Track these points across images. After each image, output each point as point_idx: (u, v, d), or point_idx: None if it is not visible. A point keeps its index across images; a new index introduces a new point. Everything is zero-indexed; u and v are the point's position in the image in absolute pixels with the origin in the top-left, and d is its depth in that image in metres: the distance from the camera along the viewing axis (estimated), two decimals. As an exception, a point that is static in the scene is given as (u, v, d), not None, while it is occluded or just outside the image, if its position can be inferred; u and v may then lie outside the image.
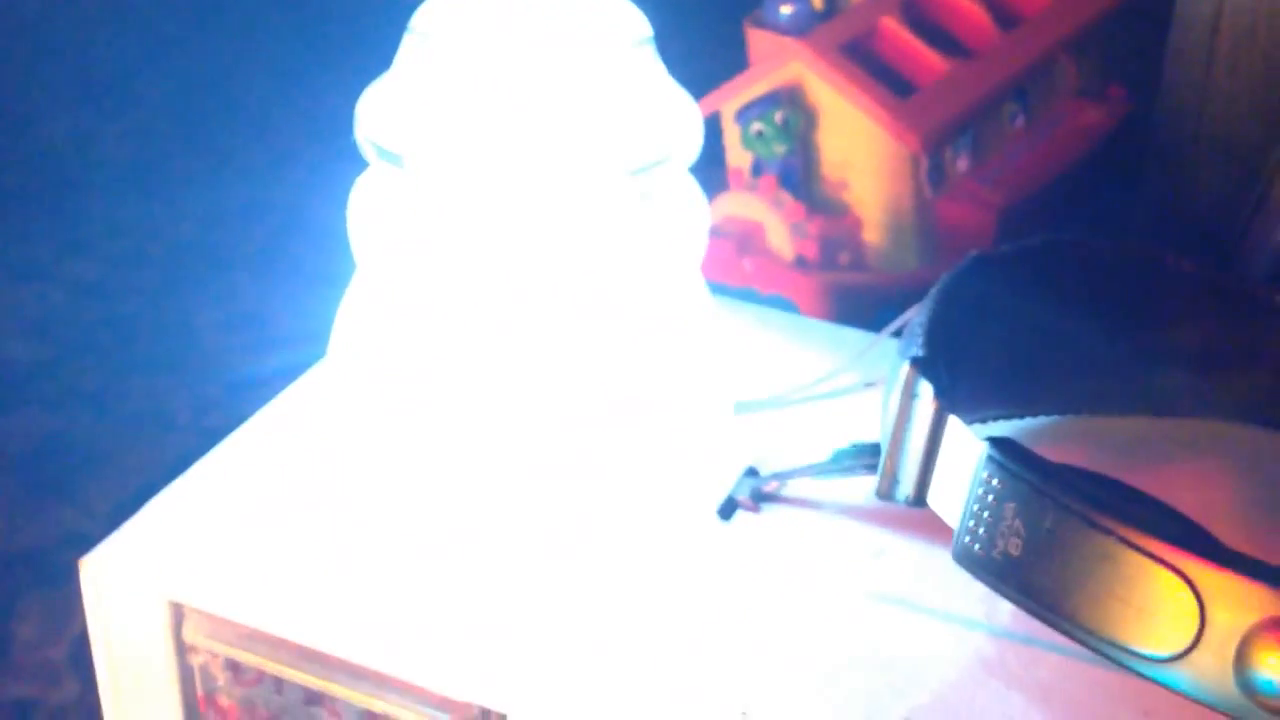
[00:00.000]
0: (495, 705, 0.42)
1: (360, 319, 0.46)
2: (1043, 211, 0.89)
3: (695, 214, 0.46)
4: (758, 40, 0.91)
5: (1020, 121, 0.92)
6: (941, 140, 0.86)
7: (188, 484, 0.48)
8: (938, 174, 0.88)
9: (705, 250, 0.47)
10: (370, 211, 0.45)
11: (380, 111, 0.44)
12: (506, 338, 0.44)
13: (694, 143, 0.45)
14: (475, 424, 0.45)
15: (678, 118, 0.44)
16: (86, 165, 1.54)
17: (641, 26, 0.44)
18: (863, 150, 0.86)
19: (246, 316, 1.36)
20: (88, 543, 1.23)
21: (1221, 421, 0.50)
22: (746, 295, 0.87)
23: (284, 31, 1.76)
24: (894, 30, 0.88)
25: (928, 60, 0.88)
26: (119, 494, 1.18)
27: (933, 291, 0.45)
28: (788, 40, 0.88)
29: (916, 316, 0.43)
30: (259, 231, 1.45)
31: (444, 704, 0.43)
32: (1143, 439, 0.50)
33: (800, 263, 0.87)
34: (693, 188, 0.46)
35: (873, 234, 0.87)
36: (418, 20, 0.44)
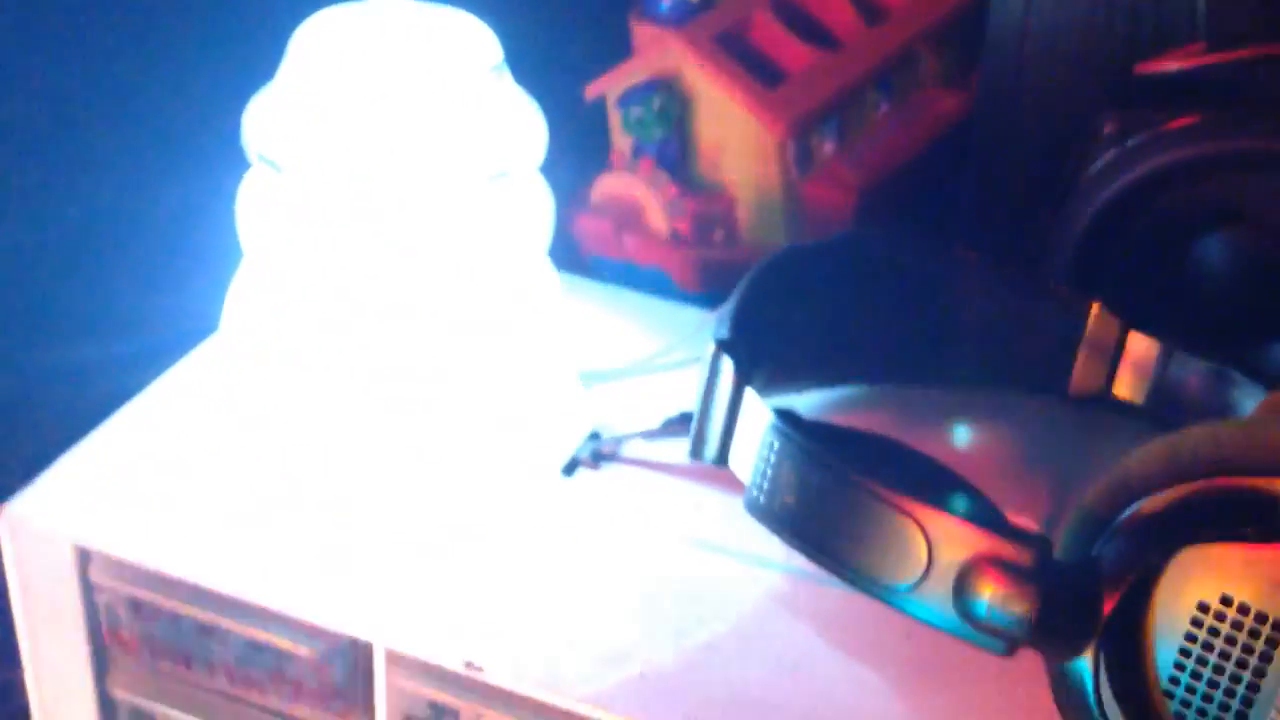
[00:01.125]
0: (361, 634, 0.50)
1: (246, 300, 0.53)
2: (901, 191, 0.97)
3: (542, 210, 0.54)
4: (640, 31, 0.97)
5: (884, 109, 1.00)
6: (807, 126, 0.94)
7: (93, 443, 0.55)
8: (804, 157, 0.95)
9: (550, 240, 0.55)
10: (253, 207, 0.52)
11: (261, 121, 0.51)
12: (373, 318, 0.51)
13: (539, 150, 0.52)
14: (348, 391, 0.52)
15: (525, 129, 0.52)
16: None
17: (494, 53, 0.51)
18: (734, 135, 0.93)
19: (163, 283, 1.41)
20: (1, 494, 1.29)
21: (1000, 390, 0.58)
22: (626, 268, 0.94)
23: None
24: (766, 23, 0.95)
25: (796, 51, 0.95)
26: (31, 450, 1.23)
27: (743, 280, 0.52)
28: (666, 31, 0.94)
29: (727, 302, 0.51)
30: (179, 192, 1.50)
31: (317, 633, 0.50)
32: (935, 406, 0.58)
33: (676, 238, 0.94)
34: (540, 187, 0.54)
35: (744, 212, 0.94)
36: (296, 40, 0.51)
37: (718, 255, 0.94)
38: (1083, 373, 0.58)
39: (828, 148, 0.96)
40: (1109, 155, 0.66)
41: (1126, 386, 0.58)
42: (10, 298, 1.37)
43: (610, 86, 0.95)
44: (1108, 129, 0.66)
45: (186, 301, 1.42)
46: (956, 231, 0.82)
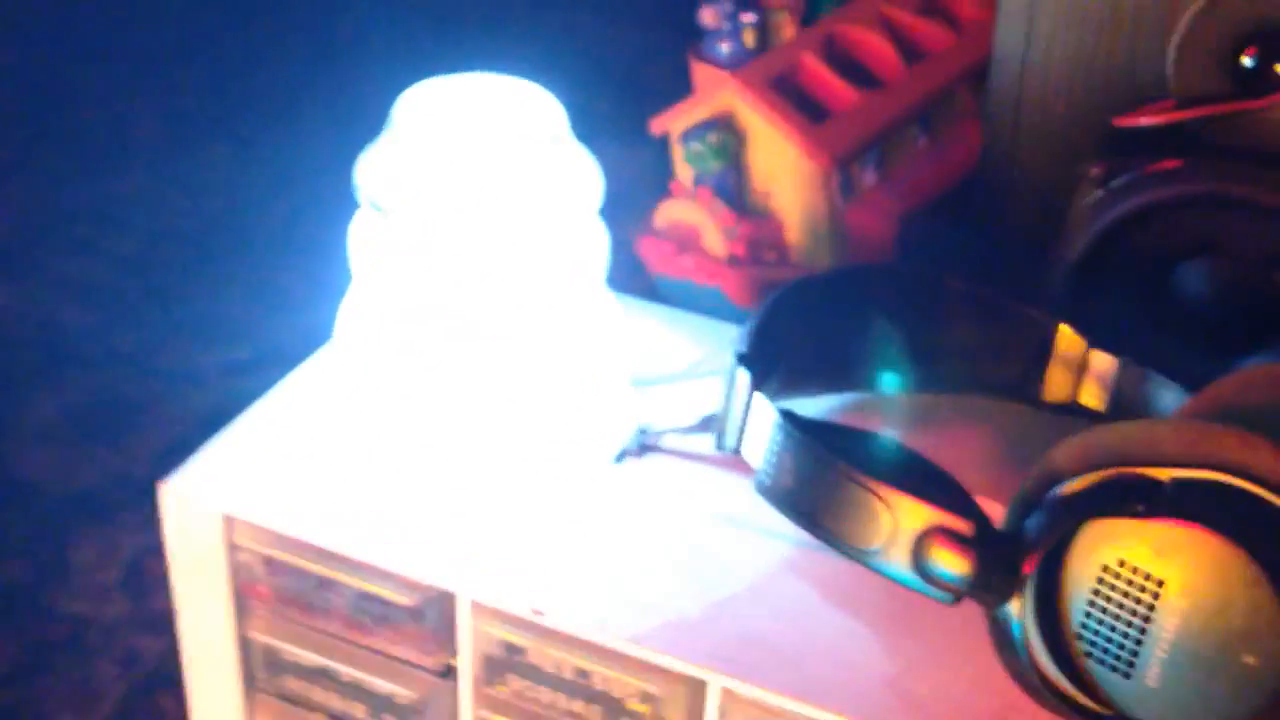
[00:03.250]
0: (449, 586, 0.63)
1: (355, 317, 0.67)
2: (936, 217, 1.09)
3: (599, 246, 0.67)
4: (700, 72, 1.10)
5: (922, 142, 1.11)
6: (850, 158, 1.06)
7: (235, 430, 0.69)
8: (848, 186, 1.07)
9: (607, 268, 0.68)
10: (362, 241, 0.66)
11: (371, 171, 0.64)
12: (462, 332, 0.64)
13: (596, 197, 0.65)
14: (442, 392, 0.65)
15: (584, 181, 0.65)
16: (124, 148, 1.74)
17: (559, 119, 0.64)
18: (784, 166, 1.05)
19: (268, 288, 1.55)
20: (131, 483, 1.46)
21: (982, 396, 0.70)
22: (686, 286, 1.07)
23: (301, 31, 1.95)
24: (813, 65, 1.07)
25: (841, 91, 1.07)
26: (156, 443, 1.38)
27: (762, 303, 0.65)
28: (724, 73, 1.07)
29: (747, 322, 0.64)
30: (281, 208, 1.65)
31: (414, 586, 0.64)
32: (926, 409, 0.70)
33: (732, 260, 1.06)
34: (598, 227, 0.67)
35: (793, 236, 1.07)
36: (400, 104, 0.64)
37: (769, 275, 1.07)
38: (1053, 384, 0.70)
39: (869, 178, 1.08)
40: (1095, 195, 0.77)
41: (1090, 395, 0.70)
42: (133, 304, 1.52)
43: (673, 123, 1.08)
44: (1093, 173, 0.77)
45: (301, 300, 1.56)
46: (976, 258, 0.93)
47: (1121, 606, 0.52)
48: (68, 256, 1.61)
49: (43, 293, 1.55)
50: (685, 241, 1.06)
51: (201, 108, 1.85)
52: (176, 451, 1.33)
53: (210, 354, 1.51)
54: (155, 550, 1.29)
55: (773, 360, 0.62)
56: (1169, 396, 0.67)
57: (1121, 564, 0.52)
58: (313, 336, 1.43)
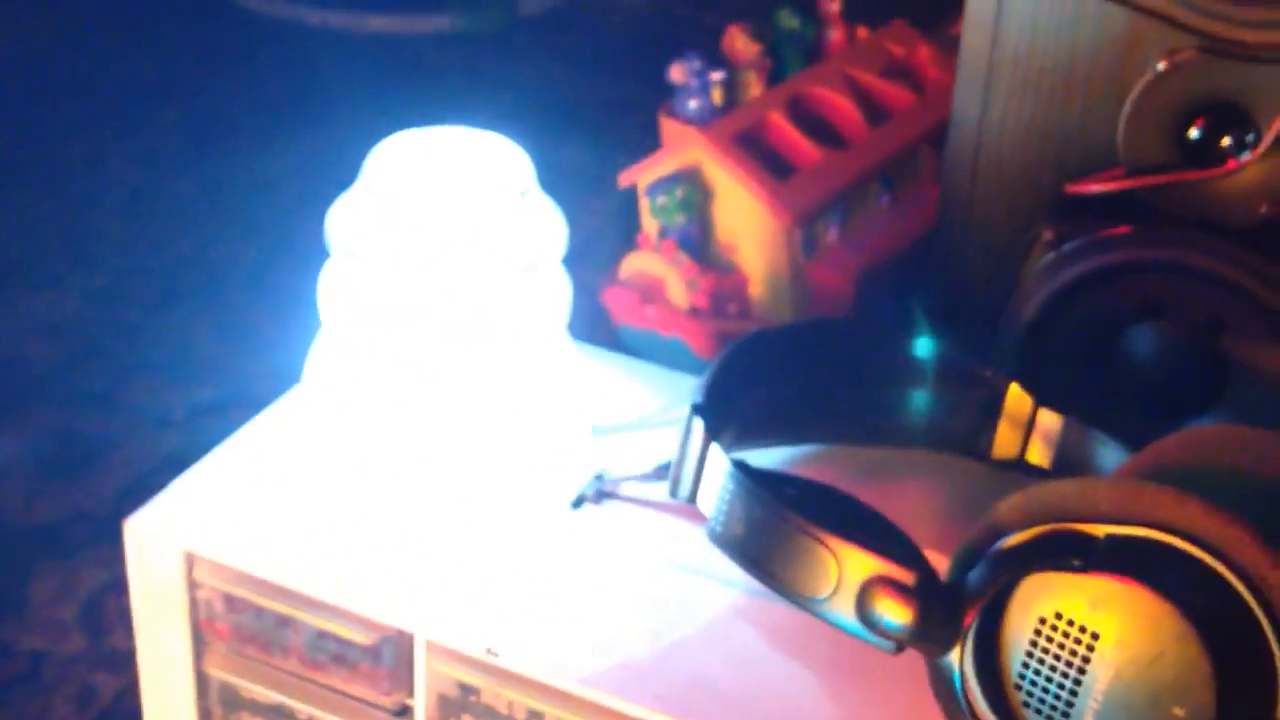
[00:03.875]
0: (406, 626, 0.64)
1: (324, 362, 0.69)
2: (895, 274, 1.12)
3: (562, 295, 0.69)
4: (668, 128, 1.12)
5: (885, 200, 1.14)
6: (813, 215, 1.08)
7: (199, 470, 0.71)
8: (810, 242, 1.09)
9: (570, 317, 0.70)
10: (332, 288, 0.67)
11: (343, 220, 0.66)
12: (425, 377, 0.66)
13: (560, 247, 0.67)
14: (404, 435, 0.67)
15: (549, 232, 0.67)
16: (97, 185, 1.75)
17: (526, 171, 0.66)
18: (748, 222, 1.08)
19: (236, 329, 1.57)
20: (93, 520, 1.46)
21: (933, 451, 0.72)
22: (649, 336, 1.09)
23: (278, 75, 1.98)
24: (779, 124, 1.10)
25: (806, 149, 1.10)
26: (120, 481, 1.38)
27: (718, 355, 0.67)
28: (691, 129, 1.09)
29: (704, 374, 0.66)
30: (250, 249, 1.67)
31: (371, 625, 0.65)
32: (878, 462, 0.72)
33: (694, 312, 1.09)
34: (561, 277, 0.69)
35: (755, 290, 1.09)
36: (373, 156, 0.66)
37: (731, 328, 1.09)
38: (1002, 440, 0.72)
39: (832, 234, 1.11)
40: (1047, 258, 0.80)
41: (1037, 453, 0.72)
42: (101, 340, 1.54)
43: (640, 176, 1.10)
44: (1045, 236, 0.80)
45: (270, 341, 1.57)
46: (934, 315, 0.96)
47: (1058, 658, 0.54)
48: (35, 291, 1.62)
49: (9, 327, 1.56)
50: (649, 292, 1.08)
51: (173, 147, 1.86)
52: (140, 489, 1.34)
53: (176, 392, 1.52)
54: (115, 587, 1.30)
55: (728, 411, 0.64)
56: (1112, 455, 0.69)
57: (1058, 616, 0.54)
58: (279, 378, 1.45)
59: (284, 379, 1.33)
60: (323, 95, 1.94)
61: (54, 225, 1.71)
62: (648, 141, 1.21)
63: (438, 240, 0.64)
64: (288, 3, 2.06)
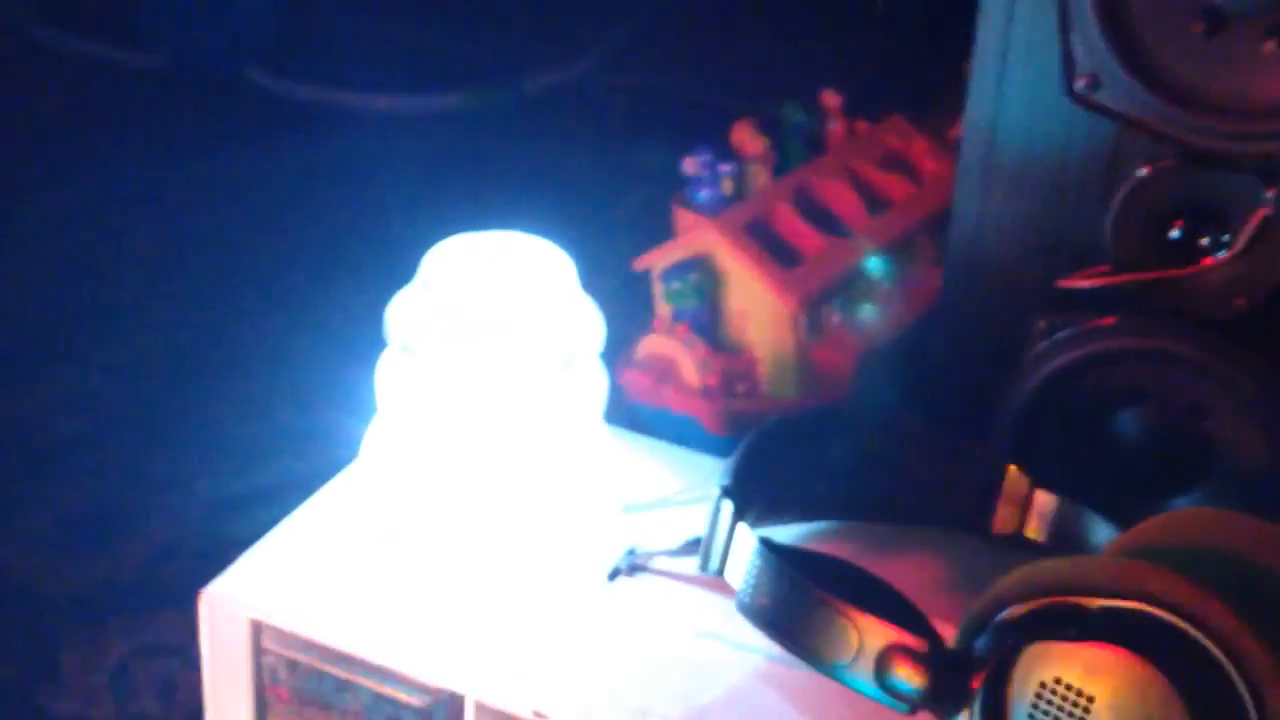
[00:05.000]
0: (457, 688, 0.71)
1: (382, 441, 0.75)
2: (897, 356, 1.19)
3: (599, 385, 0.76)
4: (682, 217, 1.19)
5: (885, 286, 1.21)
6: (817, 300, 1.15)
7: (265, 544, 0.77)
8: (815, 325, 1.16)
9: (605, 404, 0.77)
10: (388, 376, 0.74)
11: (400, 316, 0.73)
12: (474, 459, 0.73)
13: (598, 341, 0.75)
14: (454, 514, 0.74)
15: (587, 326, 0.74)
16: (119, 262, 1.82)
17: (567, 272, 0.73)
18: (757, 306, 1.14)
19: (255, 402, 1.63)
20: (120, 589, 1.52)
21: (937, 528, 0.79)
22: (663, 414, 1.15)
23: (291, 153, 2.04)
24: (786, 214, 1.17)
25: (811, 237, 1.17)
26: (144, 551, 1.44)
27: (743, 441, 0.74)
28: (703, 219, 1.16)
29: (730, 457, 0.72)
30: (267, 324, 1.73)
31: (424, 688, 0.72)
32: (889, 538, 0.79)
33: (706, 391, 1.15)
34: (597, 368, 0.76)
35: (763, 370, 1.16)
36: (428, 258, 0.74)
37: (741, 406, 1.15)
38: (1001, 518, 0.79)
39: (835, 317, 1.18)
40: (1040, 346, 0.86)
41: (1034, 529, 0.79)
42: (125, 413, 1.59)
43: (655, 262, 1.17)
44: (1039, 326, 0.86)
45: (288, 416, 1.61)
46: (932, 398, 1.02)
47: (1057, 719, 0.60)
48: (60, 366, 1.67)
49: (36, 400, 1.62)
50: (663, 373, 1.14)
51: (191, 225, 1.93)
52: (164, 558, 1.41)
53: (197, 464, 1.57)
54: (142, 653, 1.36)
55: (752, 492, 0.71)
56: (1103, 531, 0.76)
57: (1057, 681, 0.60)
58: (297, 451, 1.51)
59: (302, 451, 1.40)
60: (334, 173, 2.01)
61: (78, 302, 1.77)
62: (648, 219, 1.27)
63: (487, 336, 0.71)
64: (301, 83, 2.13)
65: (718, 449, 0.88)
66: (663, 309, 1.15)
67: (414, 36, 2.29)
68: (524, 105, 2.19)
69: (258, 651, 0.74)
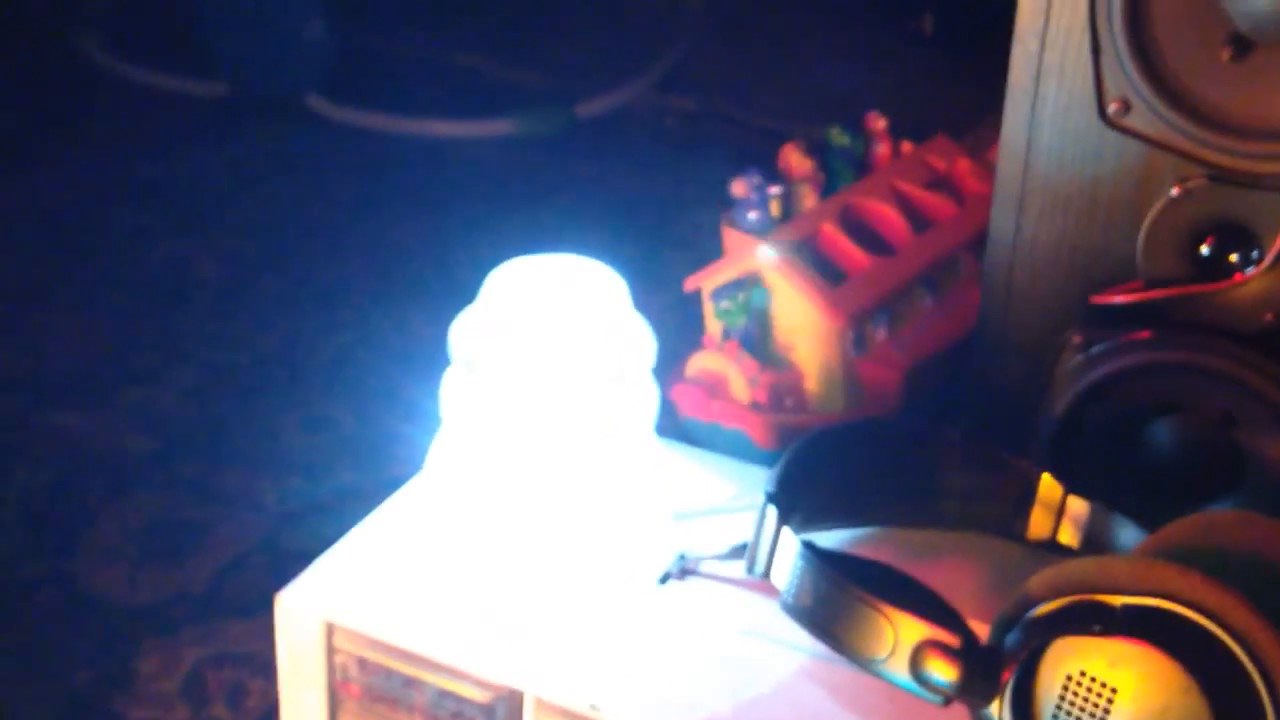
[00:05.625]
0: (517, 685, 0.75)
1: (447, 452, 0.80)
2: (939, 370, 1.23)
3: (649, 398, 0.80)
4: (730, 238, 1.24)
5: (928, 302, 1.25)
6: (863, 317, 1.19)
7: (337, 550, 0.82)
8: (860, 341, 1.20)
9: (656, 414, 0.81)
10: (452, 391, 0.79)
11: (463, 333, 0.78)
12: (533, 471, 0.78)
13: (649, 357, 0.79)
14: (515, 521, 0.79)
15: (640, 344, 0.79)
16: (184, 287, 1.88)
17: (621, 293, 0.78)
18: (804, 323, 1.18)
19: (317, 420, 1.68)
20: (191, 600, 1.58)
21: (974, 533, 0.83)
22: (713, 428, 1.20)
23: (349, 179, 2.11)
24: (832, 233, 1.21)
25: (856, 256, 1.21)
26: (217, 563, 1.50)
27: (788, 450, 0.78)
28: (751, 239, 1.21)
29: (775, 466, 0.77)
30: (329, 346, 1.79)
31: (485, 685, 0.76)
32: (924, 542, 0.83)
33: (755, 406, 1.19)
34: (649, 383, 0.81)
35: (811, 385, 1.20)
36: (491, 279, 0.78)
37: (788, 420, 1.19)
38: (1035, 524, 0.83)
39: (880, 334, 1.22)
40: (1075, 360, 0.90)
41: (1067, 534, 0.82)
42: (194, 432, 1.65)
43: (705, 282, 1.22)
44: (1074, 341, 0.90)
45: (349, 430, 1.67)
46: (972, 409, 1.06)
47: (1083, 710, 0.64)
48: (133, 387, 1.74)
49: (111, 421, 1.68)
50: (714, 389, 1.19)
51: (253, 249, 1.99)
52: (234, 570, 1.46)
53: (263, 479, 1.62)
54: (214, 661, 1.41)
55: (795, 499, 0.75)
56: (1133, 536, 0.79)
57: (1082, 674, 0.64)
58: (358, 464, 1.57)
59: (362, 464, 1.46)
60: (392, 197, 2.07)
61: (147, 326, 1.83)
62: (699, 238, 1.31)
63: (545, 353, 0.76)
64: (358, 110, 2.20)
65: (766, 462, 0.92)
66: (713, 327, 1.20)
67: (469, 64, 2.35)
68: (577, 130, 2.24)
69: (330, 651, 0.79)
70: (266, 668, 1.39)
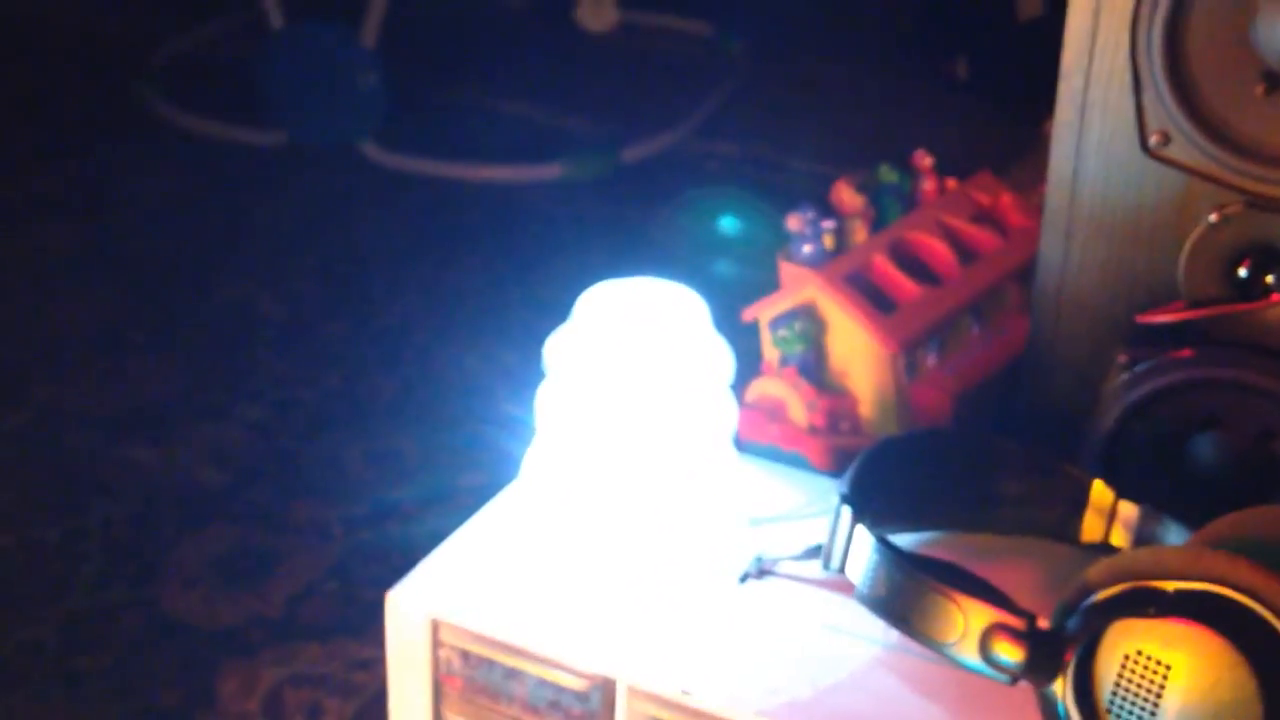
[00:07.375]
0: (610, 673, 0.82)
1: (542, 461, 0.87)
2: (988, 394, 1.29)
3: (729, 410, 0.87)
4: (786, 270, 1.31)
5: (975, 330, 1.31)
6: (914, 345, 1.25)
7: (441, 552, 0.89)
8: (912, 368, 1.26)
9: (735, 427, 0.88)
10: (547, 402, 0.86)
11: (557, 349, 0.85)
12: (624, 478, 0.85)
13: (728, 375, 0.86)
14: (607, 525, 0.85)
15: (720, 361, 0.86)
16: (250, 326, 1.96)
17: (702, 314, 0.85)
18: (858, 350, 1.24)
19: (381, 453, 1.75)
20: (268, 623, 1.66)
21: (1031, 537, 0.89)
22: (772, 452, 1.26)
23: (404, 222, 2.19)
24: (883, 265, 1.27)
25: (906, 287, 1.26)
26: (289, 589, 1.57)
27: (858, 456, 0.85)
28: (806, 271, 1.27)
29: (847, 471, 0.83)
30: (392, 382, 1.86)
31: (581, 674, 0.83)
32: (984, 546, 0.89)
33: (812, 429, 1.25)
34: (728, 397, 0.87)
35: (865, 410, 1.26)
36: (582, 300, 0.85)
37: (844, 443, 1.25)
38: (1088, 527, 0.89)
39: (930, 360, 1.27)
40: (1123, 377, 0.96)
41: (1119, 537, 0.89)
42: (264, 465, 1.73)
43: (763, 312, 1.28)
44: (1121, 359, 0.96)
45: (413, 461, 1.74)
46: (1024, 427, 1.12)
47: (1139, 686, 0.70)
48: (206, 423, 1.81)
49: (186, 455, 1.76)
50: (772, 413, 1.25)
51: (315, 289, 2.07)
52: (307, 595, 1.54)
53: (331, 510, 1.69)
54: (292, 681, 1.48)
55: (865, 502, 0.82)
56: (1180, 536, 0.86)
57: (1139, 653, 0.70)
58: (423, 493, 1.64)
59: (424, 492, 1.53)
60: (446, 239, 2.15)
61: (217, 364, 1.91)
62: (754, 273, 1.37)
63: (632, 368, 0.83)
64: (412, 157, 2.28)
65: (828, 476, 0.99)
66: (770, 354, 1.26)
67: (518, 112, 2.43)
68: (622, 172, 2.31)
69: (435, 645, 0.85)
70: (343, 687, 1.46)
